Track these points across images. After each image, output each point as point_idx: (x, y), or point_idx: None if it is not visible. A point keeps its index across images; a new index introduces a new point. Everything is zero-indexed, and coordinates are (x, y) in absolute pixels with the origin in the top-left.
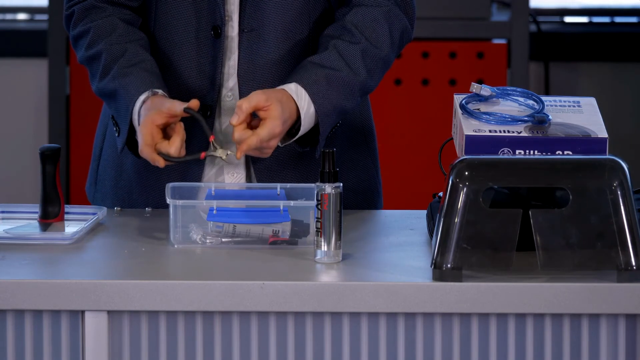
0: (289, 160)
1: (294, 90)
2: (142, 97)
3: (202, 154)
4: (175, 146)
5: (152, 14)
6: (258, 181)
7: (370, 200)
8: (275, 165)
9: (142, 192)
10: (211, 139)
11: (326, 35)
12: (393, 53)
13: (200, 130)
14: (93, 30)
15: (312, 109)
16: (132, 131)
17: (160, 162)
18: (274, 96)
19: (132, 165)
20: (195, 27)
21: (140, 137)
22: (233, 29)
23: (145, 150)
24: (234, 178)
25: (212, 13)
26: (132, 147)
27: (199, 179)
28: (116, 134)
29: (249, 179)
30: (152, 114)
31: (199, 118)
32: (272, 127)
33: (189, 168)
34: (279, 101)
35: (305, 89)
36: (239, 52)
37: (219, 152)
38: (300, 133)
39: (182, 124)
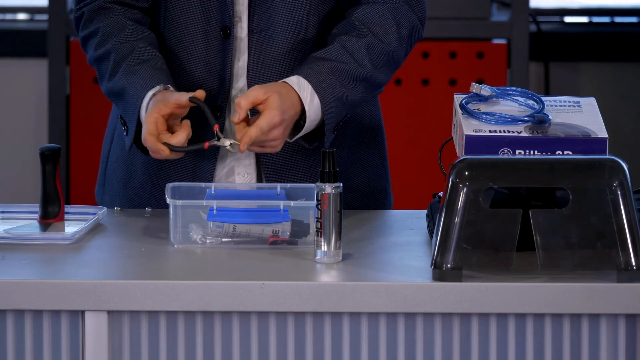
0: (297, 158)
1: (296, 82)
2: (150, 93)
3: (206, 144)
4: (178, 139)
5: (162, 15)
6: (267, 180)
7: (378, 201)
8: (283, 164)
9: (152, 193)
10: (215, 128)
11: (333, 34)
12: (401, 49)
13: (209, 130)
14: (102, 30)
15: (315, 99)
16: (140, 129)
17: (165, 151)
18: (271, 89)
19: (142, 166)
20: (203, 27)
21: (144, 127)
22: (242, 30)
23: (148, 139)
24: (245, 178)
25: (221, 14)
26: (140, 146)
27: (210, 179)
28: (124, 133)
29: (259, 179)
30: (159, 104)
31: (204, 108)
32: (270, 117)
33: (199, 168)
34: (277, 92)
35: (307, 79)
36: (248, 53)
37: (223, 142)
38: (307, 125)
39: (188, 121)
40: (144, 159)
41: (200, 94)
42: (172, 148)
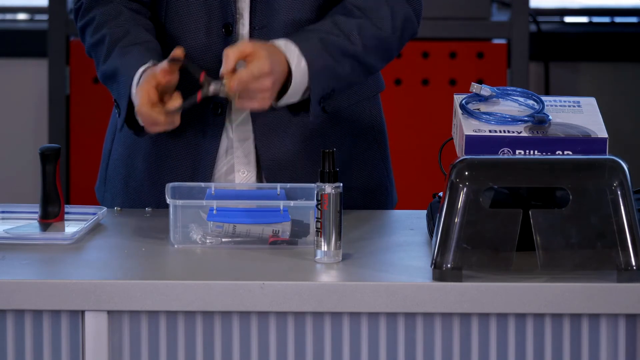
0: (297, 157)
1: (283, 44)
2: (140, 70)
3: (199, 93)
4: (172, 104)
5: (163, 12)
6: (267, 178)
7: (379, 200)
8: (283, 163)
9: (152, 193)
10: (202, 75)
11: (327, 15)
12: (394, 38)
13: (203, 102)
14: (98, 17)
15: (303, 62)
16: (132, 111)
17: (161, 117)
18: (259, 44)
19: (142, 165)
20: (205, 24)
21: (137, 99)
22: (244, 27)
23: (142, 109)
24: (245, 176)
25: (223, 11)
26: (133, 127)
27: (210, 177)
28: (117, 115)
29: (259, 177)
30: (147, 77)
31: (186, 62)
32: (260, 64)
33: (199, 166)
34: (266, 49)
35: (295, 43)
36: None
37: (213, 89)
38: (293, 87)
39: (179, 92)
40: (145, 157)
41: (178, 51)
42: (166, 110)
